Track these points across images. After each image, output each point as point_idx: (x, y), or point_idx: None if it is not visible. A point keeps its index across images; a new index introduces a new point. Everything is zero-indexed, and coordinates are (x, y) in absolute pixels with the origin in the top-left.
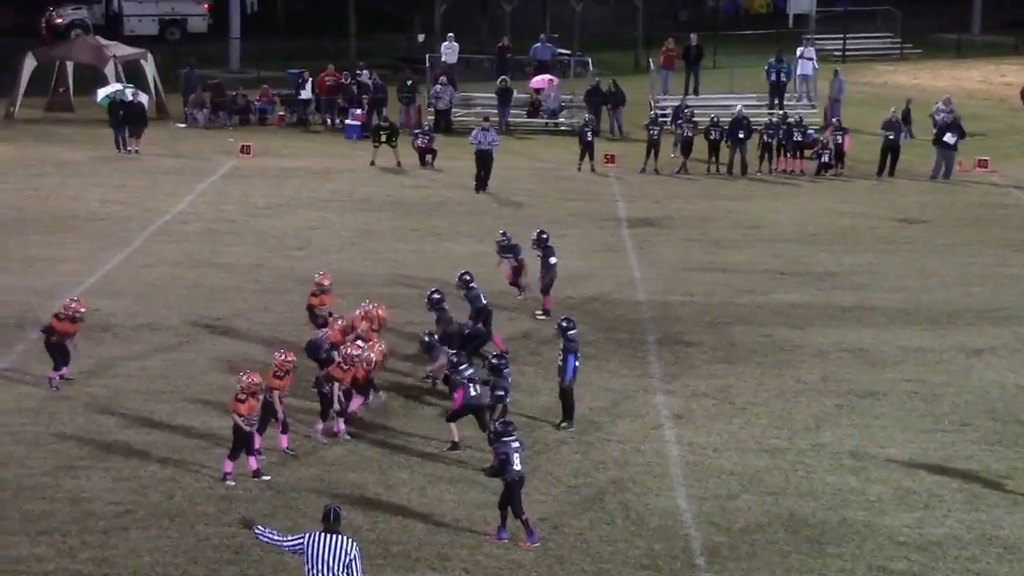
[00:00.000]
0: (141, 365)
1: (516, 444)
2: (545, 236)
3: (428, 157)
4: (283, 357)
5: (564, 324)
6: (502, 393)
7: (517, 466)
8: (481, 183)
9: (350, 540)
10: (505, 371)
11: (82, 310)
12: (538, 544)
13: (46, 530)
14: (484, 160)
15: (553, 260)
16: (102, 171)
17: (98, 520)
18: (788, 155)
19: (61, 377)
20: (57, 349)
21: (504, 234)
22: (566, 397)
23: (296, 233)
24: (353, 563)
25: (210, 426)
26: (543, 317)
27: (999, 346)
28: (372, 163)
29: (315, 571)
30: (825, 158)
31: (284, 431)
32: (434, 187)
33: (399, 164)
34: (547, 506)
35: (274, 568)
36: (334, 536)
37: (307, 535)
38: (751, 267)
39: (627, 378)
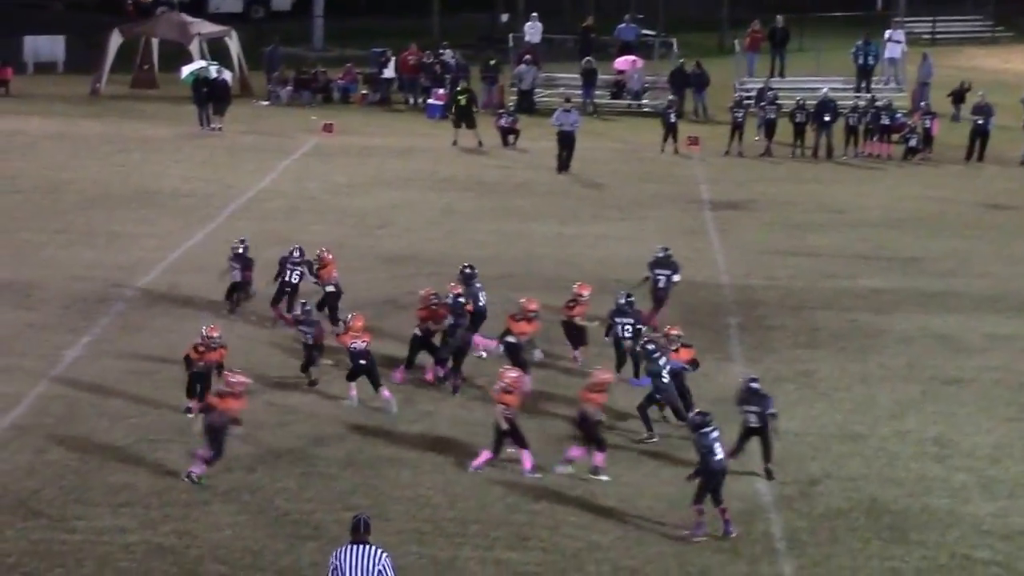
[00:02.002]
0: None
1: (716, 434)
2: (469, 271)
3: (510, 137)
4: (514, 375)
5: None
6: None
7: (719, 456)
8: (563, 164)
9: (379, 550)
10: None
11: (216, 335)
12: (733, 534)
13: (128, 502)
14: (566, 141)
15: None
16: (185, 148)
17: (180, 493)
18: (875, 139)
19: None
20: (200, 379)
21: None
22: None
23: (378, 212)
24: (383, 573)
25: (287, 402)
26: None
27: None
28: (454, 143)
29: None
30: (913, 142)
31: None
32: (516, 167)
33: (480, 144)
34: (624, 488)
35: None
36: (363, 547)
37: (335, 552)
38: (835, 251)
39: (708, 362)
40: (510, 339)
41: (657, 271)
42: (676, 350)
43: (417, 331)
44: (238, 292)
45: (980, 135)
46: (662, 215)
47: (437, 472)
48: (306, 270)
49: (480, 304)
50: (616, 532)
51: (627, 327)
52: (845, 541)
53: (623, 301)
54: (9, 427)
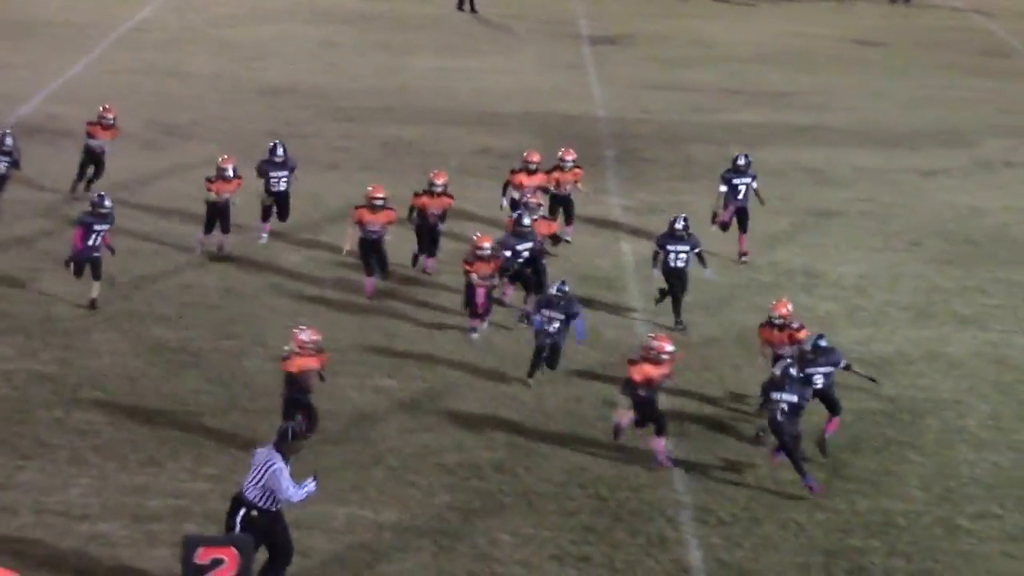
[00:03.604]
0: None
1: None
2: None
3: None
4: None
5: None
6: None
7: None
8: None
9: (274, 457)
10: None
11: (230, 166)
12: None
13: (8, 330)
14: None
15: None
16: None
17: (60, 322)
18: None
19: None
20: (216, 211)
21: None
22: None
23: (257, 44)
24: (270, 474)
25: (164, 229)
26: None
27: (952, 168)
28: None
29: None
30: None
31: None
32: (397, 1)
33: None
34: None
35: (232, 373)
36: (272, 449)
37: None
38: (708, 86)
39: (586, 192)
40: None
41: (670, 247)
42: (535, 220)
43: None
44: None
45: None
46: (540, 50)
47: (317, 302)
48: (11, 161)
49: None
50: (491, 363)
51: (681, 255)
52: (716, 368)
53: (680, 225)
54: None
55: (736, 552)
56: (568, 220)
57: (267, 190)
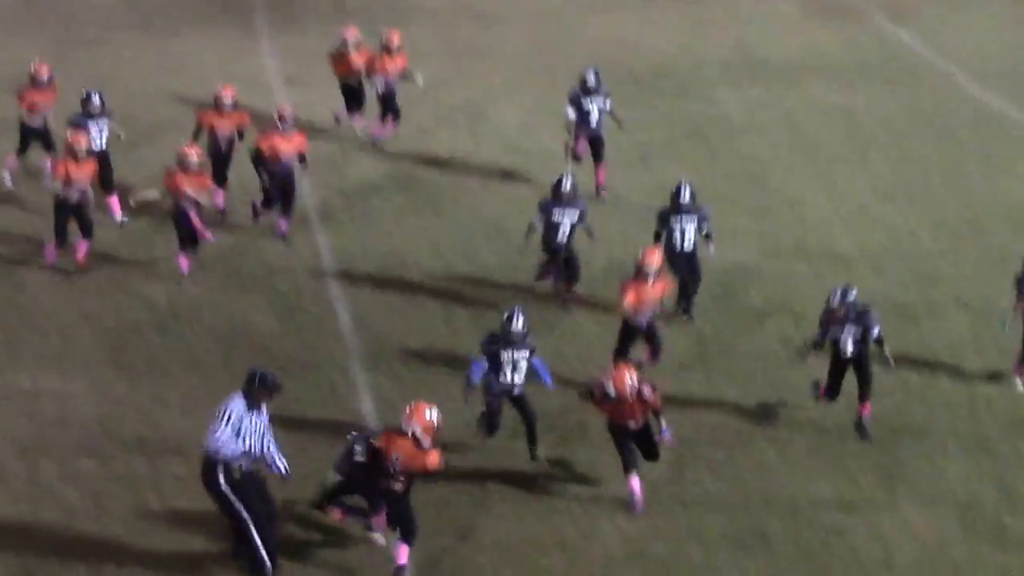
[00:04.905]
0: None
1: None
2: None
3: None
4: None
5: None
6: None
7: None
8: None
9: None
10: None
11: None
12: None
13: None
14: None
15: None
16: None
17: None
18: None
19: None
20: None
21: None
22: None
23: None
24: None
25: None
26: None
27: (615, 4)
28: None
29: None
30: None
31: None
32: None
33: None
34: None
35: None
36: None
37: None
38: None
39: (235, 40)
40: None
41: (673, 219)
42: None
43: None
44: None
45: None
46: None
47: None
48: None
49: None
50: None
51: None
52: (376, 215)
53: (686, 200)
54: None
55: (410, 399)
56: None
57: None
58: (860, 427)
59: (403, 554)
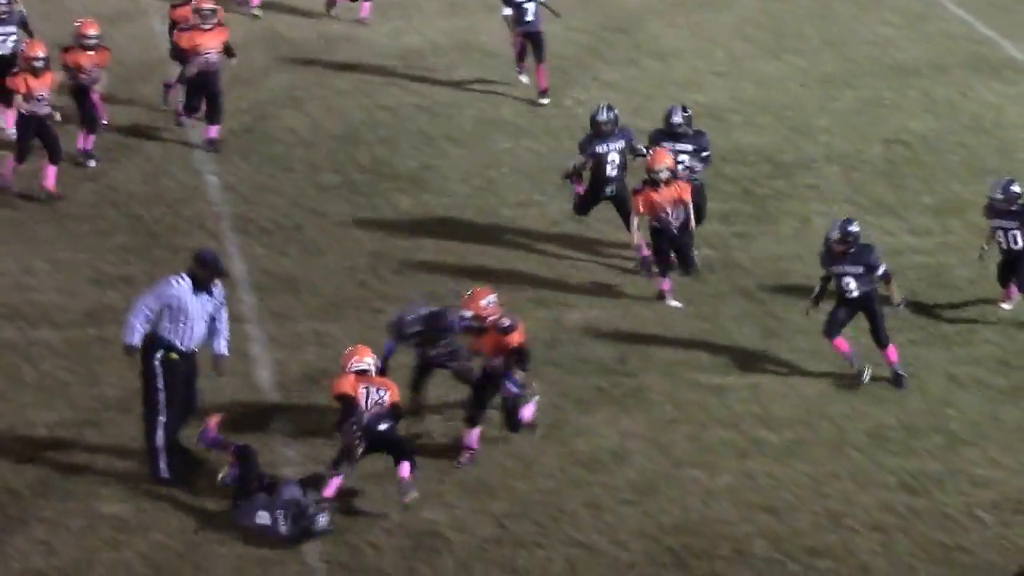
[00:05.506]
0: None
1: None
2: None
3: None
4: None
5: None
6: None
7: None
8: None
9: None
10: None
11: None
12: None
13: None
14: None
15: None
16: None
17: None
18: None
19: None
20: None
21: None
22: None
23: None
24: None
25: None
26: None
27: None
28: None
29: None
30: None
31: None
32: None
33: None
34: None
35: None
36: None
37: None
38: None
39: None
40: None
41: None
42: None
43: None
44: None
45: None
46: None
47: None
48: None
49: None
50: None
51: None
52: (264, 149)
53: (680, 119)
54: None
55: (282, 260)
56: None
57: None
58: (897, 378)
59: (405, 469)
